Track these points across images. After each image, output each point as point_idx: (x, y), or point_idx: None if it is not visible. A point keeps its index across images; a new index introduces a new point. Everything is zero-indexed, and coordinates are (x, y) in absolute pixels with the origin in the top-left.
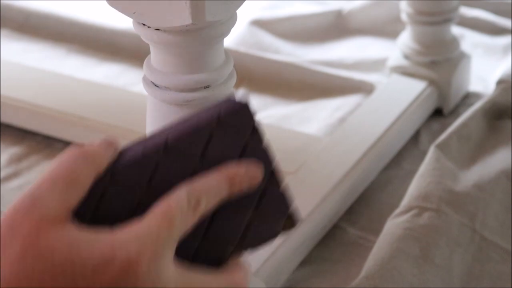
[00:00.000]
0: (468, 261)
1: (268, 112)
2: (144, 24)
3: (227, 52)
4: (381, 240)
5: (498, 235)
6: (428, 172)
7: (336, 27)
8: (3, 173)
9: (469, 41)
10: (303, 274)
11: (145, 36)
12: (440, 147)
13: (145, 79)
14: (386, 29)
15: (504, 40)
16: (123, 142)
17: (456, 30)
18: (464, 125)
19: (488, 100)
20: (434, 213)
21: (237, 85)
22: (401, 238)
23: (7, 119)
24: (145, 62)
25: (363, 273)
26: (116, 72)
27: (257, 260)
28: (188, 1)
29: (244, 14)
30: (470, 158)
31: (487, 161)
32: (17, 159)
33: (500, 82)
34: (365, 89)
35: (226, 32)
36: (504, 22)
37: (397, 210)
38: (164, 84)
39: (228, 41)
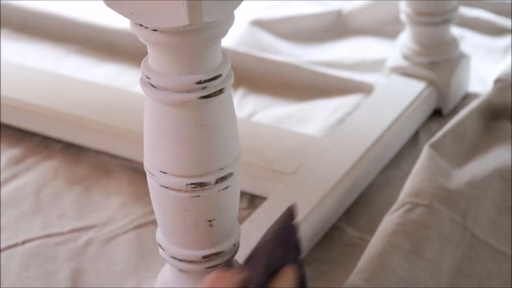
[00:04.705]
0: (458, 258)
1: (267, 113)
2: (141, 25)
3: (225, 52)
4: (375, 237)
5: (489, 233)
6: (421, 170)
7: (336, 27)
8: (1, 175)
9: (470, 42)
10: None
11: (142, 36)
12: (434, 146)
13: (142, 80)
14: (386, 30)
15: (504, 41)
16: (121, 143)
17: (456, 31)
18: (459, 124)
19: (484, 100)
20: (426, 209)
21: (237, 85)
22: (392, 233)
23: (5, 119)
24: (142, 63)
25: (356, 269)
26: (115, 72)
27: None
28: (185, 2)
29: (244, 14)
30: (465, 157)
31: (481, 159)
32: (15, 161)
33: (497, 81)
34: (364, 89)
35: (223, 33)
36: (504, 22)
37: (392, 208)
38: (161, 85)
39: (228, 41)
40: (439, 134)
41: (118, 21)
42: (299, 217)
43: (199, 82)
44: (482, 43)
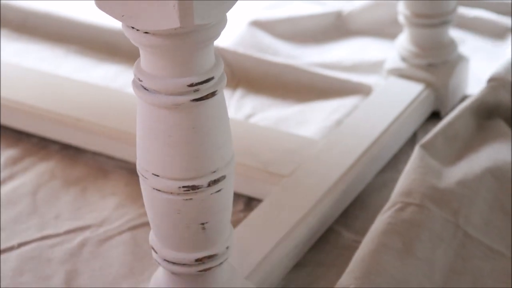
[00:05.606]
0: (450, 257)
1: (265, 114)
2: (133, 27)
3: (217, 55)
4: (366, 237)
5: (482, 232)
6: (412, 170)
7: (336, 28)
8: None
9: (471, 44)
10: (298, 278)
11: (134, 39)
12: (424, 146)
13: (134, 82)
14: (386, 31)
15: (505, 43)
16: (118, 144)
17: (457, 33)
18: (451, 124)
19: (477, 99)
20: (417, 208)
21: (235, 86)
22: (384, 232)
23: (3, 120)
24: (134, 65)
25: (347, 269)
26: (114, 73)
27: (250, 263)
28: (176, 4)
29: (244, 15)
30: (456, 157)
31: (473, 158)
32: (13, 161)
33: (490, 80)
34: (363, 91)
35: (215, 36)
36: (505, 22)
37: (383, 208)
38: (154, 87)
39: (228, 42)
40: (429, 135)
41: (117, 22)
42: (296, 218)
43: (191, 85)
44: (482, 45)
